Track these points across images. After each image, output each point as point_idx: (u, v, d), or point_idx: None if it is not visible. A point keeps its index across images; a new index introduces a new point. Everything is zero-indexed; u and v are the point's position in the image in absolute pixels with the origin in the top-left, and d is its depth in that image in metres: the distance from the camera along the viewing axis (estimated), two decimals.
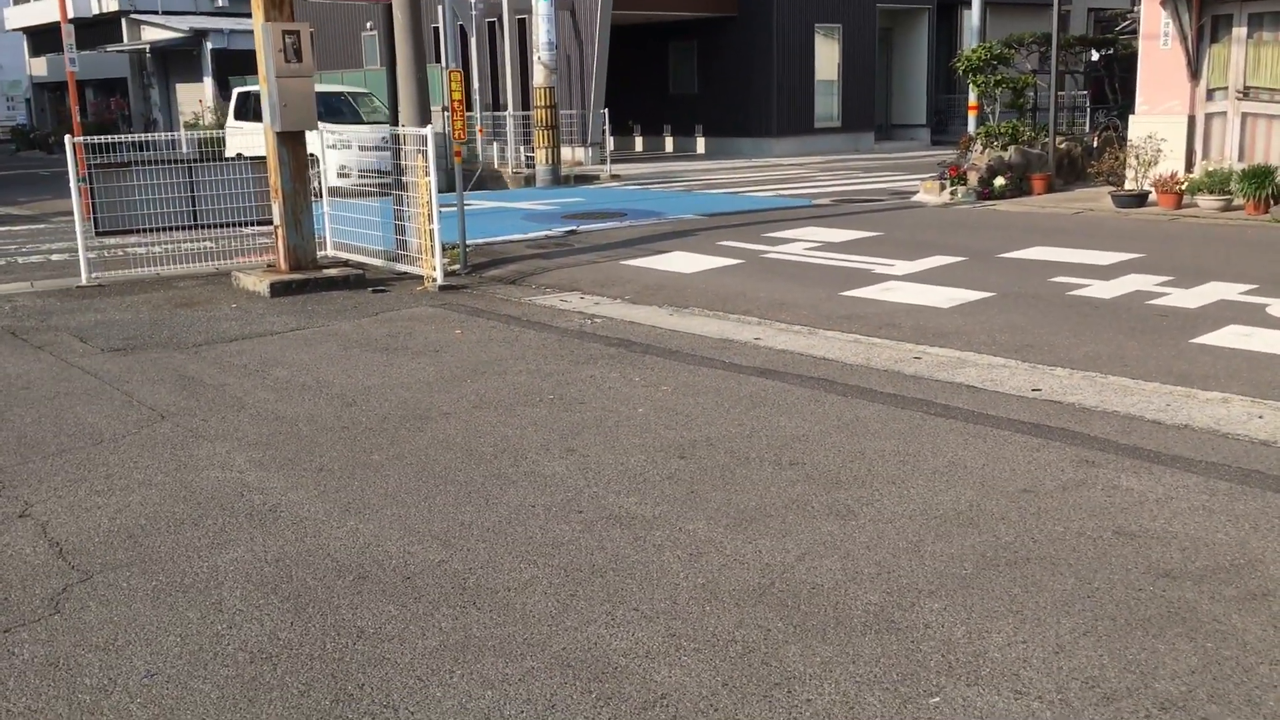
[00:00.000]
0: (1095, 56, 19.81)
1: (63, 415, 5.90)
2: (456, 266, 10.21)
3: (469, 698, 3.03)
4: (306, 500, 4.56)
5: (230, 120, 19.83)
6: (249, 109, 19.30)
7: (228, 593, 3.71)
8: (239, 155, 16.01)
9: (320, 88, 18.24)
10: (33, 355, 7.37)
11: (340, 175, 16.31)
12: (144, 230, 10.26)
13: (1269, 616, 3.36)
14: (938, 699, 2.97)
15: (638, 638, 3.33)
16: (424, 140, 9.62)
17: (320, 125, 14.85)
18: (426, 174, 9.51)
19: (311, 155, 14.38)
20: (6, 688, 3.13)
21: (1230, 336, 6.90)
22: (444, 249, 9.76)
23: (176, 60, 36.78)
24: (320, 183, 11.50)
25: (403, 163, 10.34)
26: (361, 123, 18.87)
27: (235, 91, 20.73)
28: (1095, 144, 16.23)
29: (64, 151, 10.40)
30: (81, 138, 10.23)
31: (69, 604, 3.65)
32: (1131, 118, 14.39)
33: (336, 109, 19.37)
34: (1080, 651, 3.19)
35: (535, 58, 20.06)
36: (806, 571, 3.77)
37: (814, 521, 4.20)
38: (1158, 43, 13.88)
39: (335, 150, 17.15)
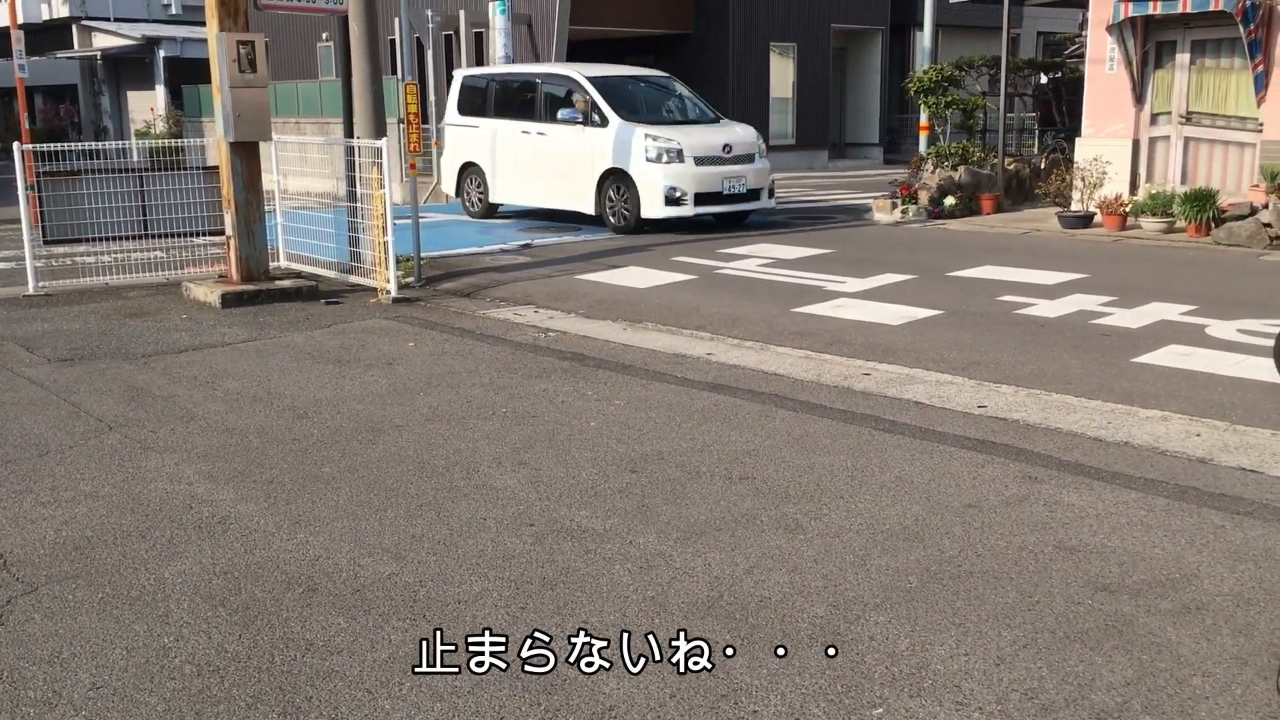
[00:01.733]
0: (1044, 80, 20.18)
1: (7, 426, 5.83)
2: (410, 279, 10.19)
3: (418, 710, 3.04)
4: (256, 513, 4.54)
5: (452, 115, 15.95)
6: (481, 101, 15.51)
7: (175, 605, 3.69)
8: (467, 164, 14.49)
9: (617, 70, 14.68)
10: None
11: (671, 202, 13.16)
12: (93, 239, 10.14)
13: (1202, 629, 3.45)
14: (881, 710, 3.02)
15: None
16: (379, 153, 9.60)
17: (639, 129, 13.32)
18: (381, 186, 9.50)
19: (618, 173, 13.12)
20: None
21: (1170, 356, 7.06)
22: (398, 261, 9.74)
23: (128, 67, 36.35)
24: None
25: (358, 174, 10.31)
26: (693, 122, 14.43)
27: (459, 77, 16.29)
28: (1043, 165, 16.52)
29: (10, 158, 10.27)
30: (30, 145, 10.10)
31: (13, 616, 3.61)
32: (1078, 140, 14.68)
33: (655, 104, 14.70)
34: (1020, 663, 3.26)
35: None
36: (755, 584, 3.82)
37: (763, 535, 4.26)
38: (1104, 67, 14.17)
39: (658, 165, 13.23)
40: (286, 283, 9.95)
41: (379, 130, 10.45)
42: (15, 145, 10.01)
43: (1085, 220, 13.50)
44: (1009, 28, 15.44)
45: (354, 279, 10.35)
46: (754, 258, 11.59)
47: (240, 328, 8.45)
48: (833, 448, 5.34)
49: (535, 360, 7.29)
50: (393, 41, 22.67)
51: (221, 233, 10.00)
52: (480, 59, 23.24)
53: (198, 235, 10.66)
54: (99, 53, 35.95)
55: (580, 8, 23.04)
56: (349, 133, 10.91)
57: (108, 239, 10.17)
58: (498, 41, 19.55)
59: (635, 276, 10.60)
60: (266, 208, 10.03)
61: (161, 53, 33.47)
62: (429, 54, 21.59)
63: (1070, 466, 5.01)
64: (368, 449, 5.39)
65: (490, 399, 6.29)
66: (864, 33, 28.00)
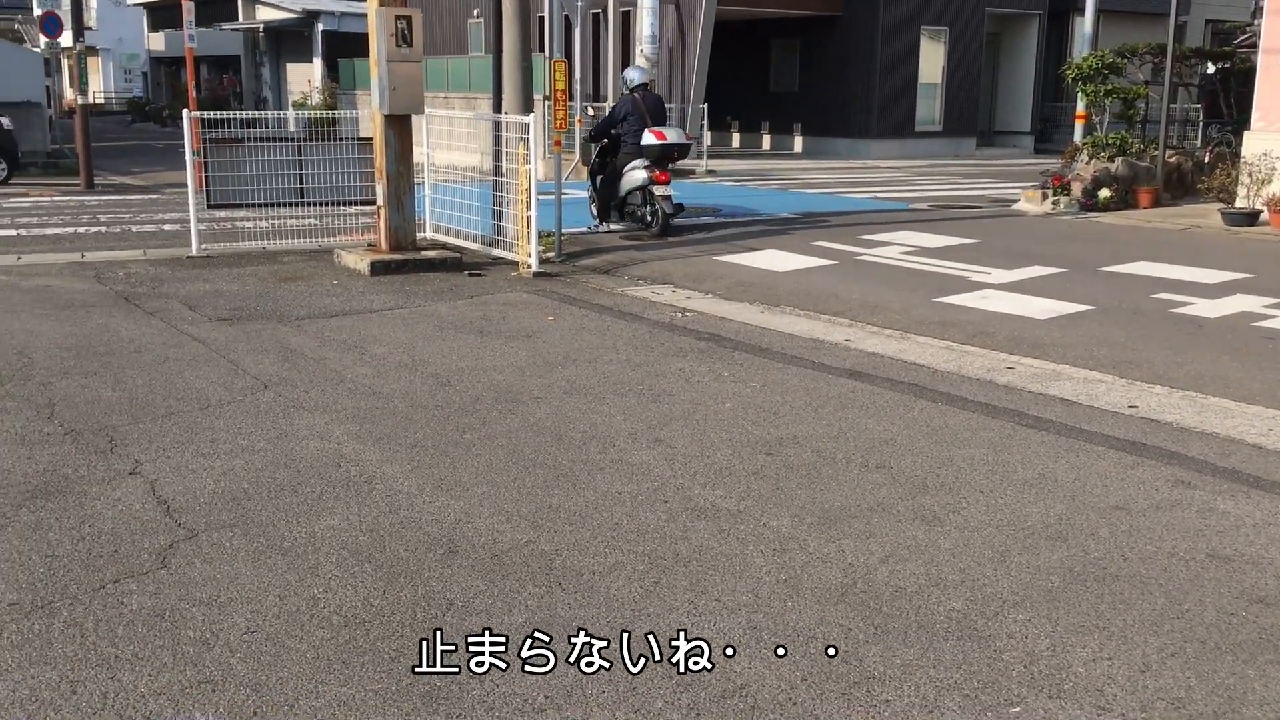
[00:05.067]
0: (1211, 69, 19.23)
1: (172, 379, 6.13)
2: (551, 254, 10.34)
3: (552, 673, 3.10)
4: (400, 474, 4.69)
5: None
6: None
7: (324, 558, 3.84)
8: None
9: None
10: (144, 321, 7.66)
11: None
12: (253, 205, 10.58)
13: None
14: (1018, 709, 2.96)
15: (719, 628, 3.38)
16: (526, 128, 9.75)
17: None
18: (527, 162, 9.64)
19: None
20: (116, 635, 3.29)
21: None
22: (540, 237, 9.89)
23: (288, 40, 37.65)
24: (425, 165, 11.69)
25: (504, 149, 10.48)
26: None
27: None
28: (1207, 159, 15.79)
29: (177, 125, 10.77)
30: (197, 113, 10.56)
31: (175, 560, 3.82)
32: (1246, 134, 13.96)
33: None
34: (1167, 672, 3.15)
35: (638, 50, 20.16)
36: (890, 574, 3.77)
37: (899, 525, 4.20)
38: (1278, 58, 13.44)
39: None
40: (432, 253, 10.20)
41: (527, 106, 10.60)
42: (184, 112, 10.49)
43: (1250, 218, 12.85)
44: (1176, 14, 14.76)
45: (496, 252, 10.55)
46: (896, 245, 11.39)
47: (387, 295, 8.71)
48: (973, 441, 5.23)
49: (672, 339, 7.32)
50: (541, 19, 22.94)
51: (372, 202, 10.31)
52: (627, 38, 23.35)
53: (350, 204, 11.01)
54: (261, 25, 37.35)
55: None
56: (497, 108, 11.10)
57: (266, 205, 10.59)
58: (644, 21, 19.61)
59: (774, 260, 10.54)
60: (415, 180, 10.29)
61: (320, 26, 34.56)
62: (576, 32, 21.79)
63: (1226, 473, 4.80)
64: (507, 418, 5.51)
65: (627, 375, 6.35)
66: (1020, 17, 27.15)
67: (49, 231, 12.41)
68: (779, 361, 6.74)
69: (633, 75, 12.44)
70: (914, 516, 4.29)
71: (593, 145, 12.93)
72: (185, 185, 10.66)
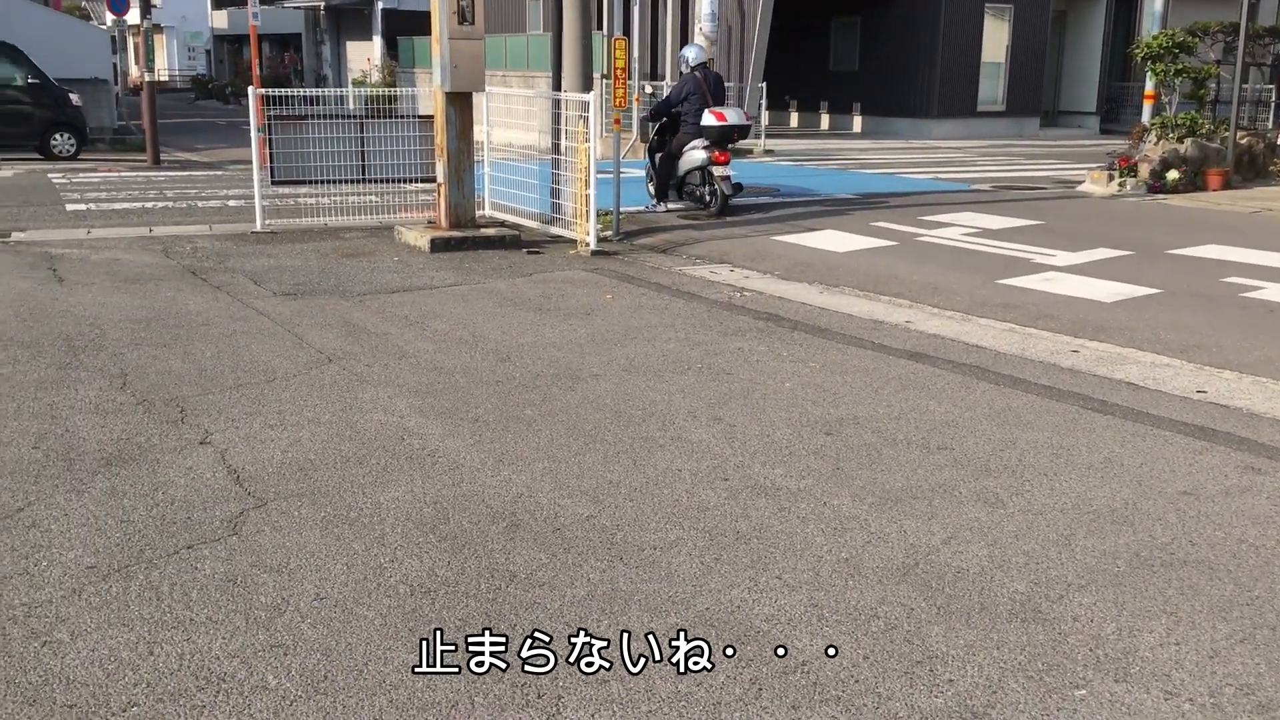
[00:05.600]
0: None
1: (239, 352, 6.24)
2: (609, 233, 10.35)
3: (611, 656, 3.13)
4: (463, 448, 4.74)
5: None
6: None
7: (390, 529, 3.90)
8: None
9: None
10: (211, 294, 7.79)
11: None
12: (316, 181, 10.70)
13: None
14: (1084, 692, 2.94)
15: (780, 605, 3.39)
16: (586, 106, 9.76)
17: None
18: (586, 140, 9.65)
19: None
20: (190, 599, 3.37)
21: None
22: (598, 215, 9.90)
23: (348, 18, 37.96)
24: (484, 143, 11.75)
25: (563, 128, 10.50)
26: None
27: None
28: (1279, 141, 15.40)
29: (239, 102, 10.93)
30: (262, 90, 10.69)
31: (246, 527, 3.90)
32: None
33: None
34: (1236, 658, 3.11)
35: (696, 28, 20.06)
36: (952, 555, 3.76)
37: (961, 507, 4.18)
38: None
39: None
40: (490, 231, 10.26)
41: (586, 84, 10.61)
42: (250, 89, 10.62)
43: None
44: None
45: (554, 230, 10.58)
46: (958, 226, 11.26)
47: (447, 272, 8.78)
48: (1037, 424, 5.17)
49: (730, 318, 7.31)
50: None
51: (432, 180, 10.38)
52: (685, 16, 23.24)
53: (410, 182, 11.10)
54: (323, 3, 37.66)
55: None
56: (557, 86, 11.12)
57: (328, 182, 10.71)
58: None
59: (833, 240, 10.47)
60: (475, 158, 10.35)
61: (380, 4, 34.79)
62: (635, 9, 21.72)
63: None
64: (567, 395, 5.54)
65: (685, 354, 6.36)
66: None
67: (117, 206, 12.65)
68: (838, 342, 6.71)
69: (691, 53, 12.38)
70: (976, 498, 4.26)
71: (651, 124, 12.90)
72: (248, 162, 10.81)
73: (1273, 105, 19.34)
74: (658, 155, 12.33)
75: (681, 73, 12.45)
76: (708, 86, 11.94)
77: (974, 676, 3.01)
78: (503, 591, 3.44)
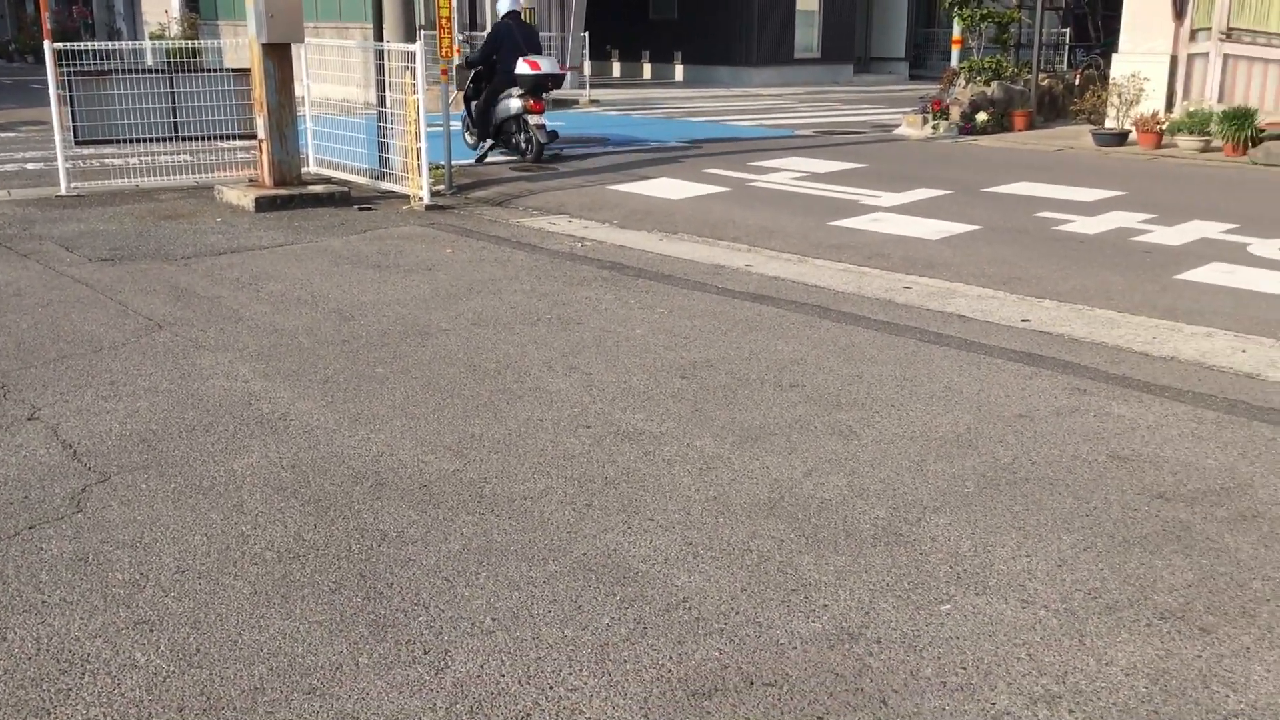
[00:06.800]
0: None
1: (59, 322, 5.88)
2: (442, 187, 10.16)
3: (496, 598, 3.11)
4: (315, 410, 4.60)
5: None
6: None
7: (248, 496, 3.77)
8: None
9: None
10: (19, 263, 7.30)
11: None
12: (124, 140, 10.10)
13: (1259, 536, 3.51)
14: (949, 606, 3.09)
15: (655, 545, 3.43)
16: (411, 57, 9.51)
17: None
18: (414, 91, 9.42)
19: None
20: (39, 580, 3.18)
21: (1213, 273, 7.04)
22: (430, 169, 9.70)
23: None
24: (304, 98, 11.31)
25: (388, 79, 10.21)
26: None
27: None
28: (1077, 82, 16.28)
29: (23, 59, 10.22)
30: (59, 44, 10.00)
31: (90, 503, 3.69)
32: (1115, 56, 14.44)
33: None
34: (1082, 565, 3.32)
35: None
36: (814, 487, 3.88)
37: (818, 440, 4.31)
38: None
39: None
40: (319, 188, 9.92)
41: (410, 34, 10.33)
42: (46, 45, 9.91)
43: (1120, 138, 13.34)
44: None
45: (385, 185, 10.32)
46: (786, 170, 11.51)
47: (276, 231, 8.46)
48: (880, 358, 5.37)
49: (574, 268, 7.29)
50: None
51: (252, 136, 9.95)
52: None
53: (227, 139, 10.61)
54: None
55: None
56: (379, 36, 10.78)
57: (138, 140, 10.12)
58: None
59: (667, 188, 10.55)
60: (297, 112, 9.96)
61: None
62: None
63: (1118, 379, 5.04)
64: (417, 351, 5.44)
65: (534, 305, 6.32)
66: None
67: None
68: (683, 288, 6.79)
69: (504, 3, 12.30)
70: (831, 432, 4.40)
71: (469, 73, 12.78)
72: (45, 122, 10.13)
73: (1067, 48, 20.38)
74: (473, 103, 12.27)
75: (496, 22, 12.38)
76: (521, 35, 11.89)
77: (846, 600, 3.12)
78: (375, 551, 3.38)
